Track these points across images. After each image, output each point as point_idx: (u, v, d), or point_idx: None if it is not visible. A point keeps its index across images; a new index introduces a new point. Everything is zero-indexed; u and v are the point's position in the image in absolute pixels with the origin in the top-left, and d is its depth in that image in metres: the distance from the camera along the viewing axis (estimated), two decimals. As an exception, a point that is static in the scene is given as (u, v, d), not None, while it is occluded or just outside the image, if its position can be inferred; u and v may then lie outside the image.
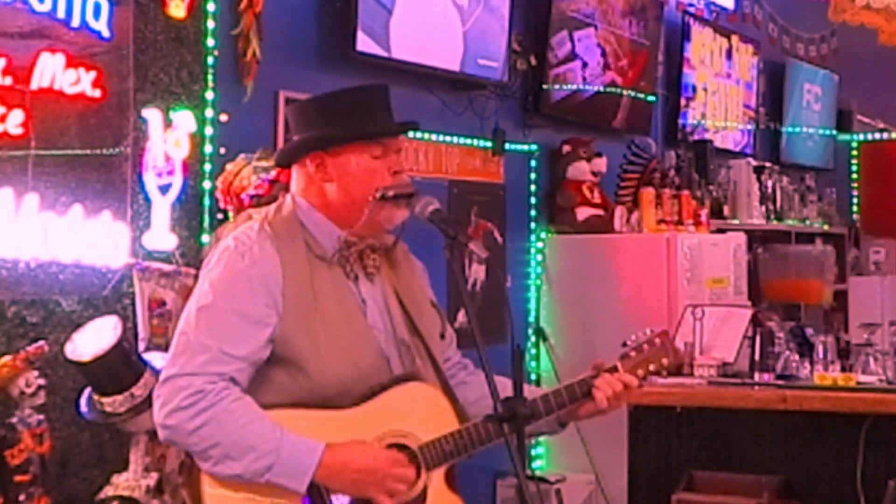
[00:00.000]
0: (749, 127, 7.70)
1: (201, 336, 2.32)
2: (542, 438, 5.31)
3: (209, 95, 3.75)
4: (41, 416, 3.00)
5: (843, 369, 4.22)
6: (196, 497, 2.34)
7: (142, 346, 3.41)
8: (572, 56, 5.72)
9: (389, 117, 2.55)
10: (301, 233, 2.46)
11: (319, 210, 2.49)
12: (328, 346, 2.39)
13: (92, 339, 3.04)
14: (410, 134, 4.74)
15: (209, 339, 2.31)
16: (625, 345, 2.64)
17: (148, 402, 3.04)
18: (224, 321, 2.33)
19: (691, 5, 7.01)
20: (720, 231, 6.21)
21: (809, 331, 4.66)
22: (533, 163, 5.65)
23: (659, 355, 2.62)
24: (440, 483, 2.46)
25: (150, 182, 3.53)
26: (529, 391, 2.51)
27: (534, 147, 5.64)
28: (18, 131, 3.15)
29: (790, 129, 8.23)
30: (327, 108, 2.51)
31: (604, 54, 5.97)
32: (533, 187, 5.65)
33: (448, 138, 5.03)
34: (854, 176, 8.63)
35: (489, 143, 5.28)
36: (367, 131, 2.47)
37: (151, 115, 3.52)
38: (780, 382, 4.20)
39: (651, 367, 2.62)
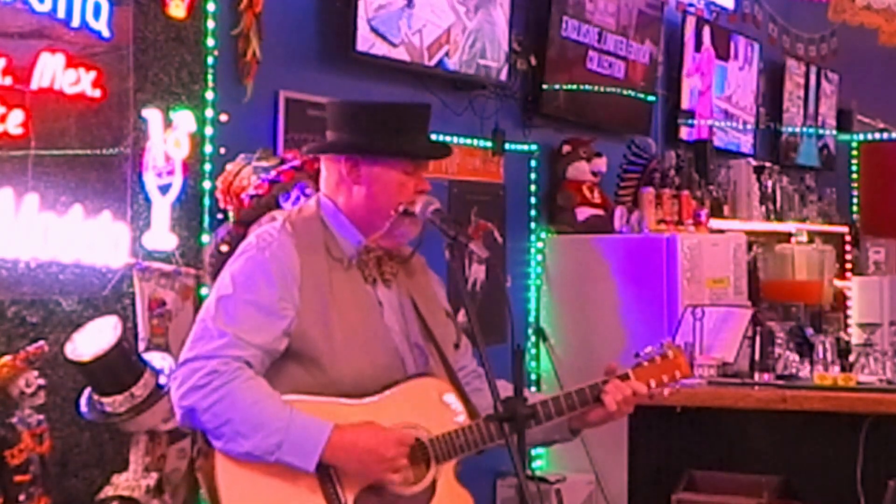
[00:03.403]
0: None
1: (218, 323, 2.39)
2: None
3: (209, 95, 3.75)
4: (41, 416, 3.00)
5: (843, 369, 4.22)
6: (209, 475, 2.37)
7: (142, 346, 3.41)
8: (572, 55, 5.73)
9: (427, 137, 2.63)
10: (322, 234, 2.53)
11: (343, 212, 2.55)
12: (344, 343, 2.44)
13: (92, 339, 3.04)
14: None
15: (226, 326, 2.38)
16: (637, 355, 2.65)
17: (148, 401, 3.06)
18: (241, 311, 2.40)
19: (691, 5, 7.02)
20: (720, 231, 6.21)
21: (809, 331, 4.67)
22: (533, 163, 5.65)
23: (671, 368, 2.63)
24: (450, 476, 2.49)
25: (150, 182, 3.52)
26: (538, 395, 2.58)
27: (534, 147, 5.64)
28: (18, 131, 3.15)
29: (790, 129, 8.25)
30: (375, 116, 2.57)
31: (603, 54, 5.97)
32: (533, 187, 5.65)
33: (448, 138, 5.01)
34: (854, 176, 8.63)
35: (489, 143, 5.28)
36: (410, 151, 2.54)
37: (151, 115, 3.52)
38: (780, 382, 4.20)
39: (664, 378, 2.62)
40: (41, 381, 3.02)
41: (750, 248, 6.25)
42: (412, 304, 2.60)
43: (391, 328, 2.54)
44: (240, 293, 2.42)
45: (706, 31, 7.10)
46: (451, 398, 2.53)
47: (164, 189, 3.55)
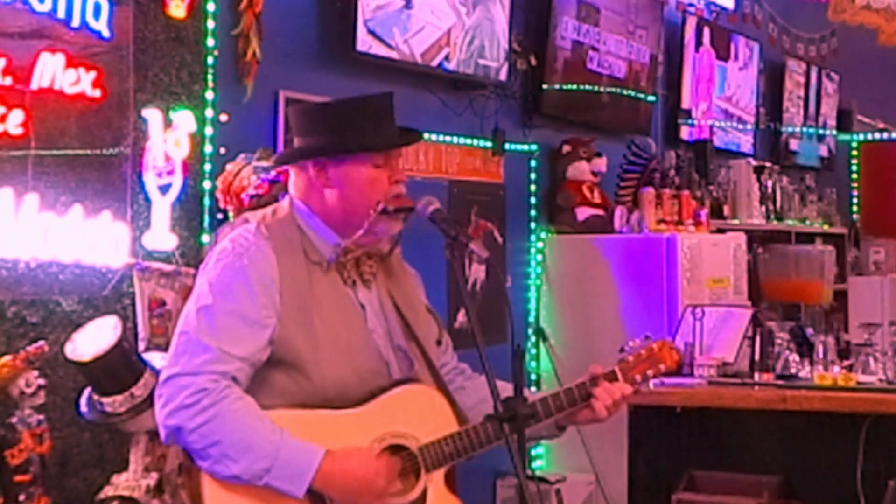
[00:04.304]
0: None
1: (202, 336, 2.32)
2: (541, 438, 5.31)
3: (209, 95, 3.75)
4: (41, 416, 3.00)
5: (843, 369, 4.21)
6: (196, 497, 2.34)
7: (142, 346, 3.41)
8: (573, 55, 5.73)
9: (393, 126, 2.55)
10: (298, 237, 2.46)
11: (318, 215, 2.48)
12: (328, 349, 2.39)
13: (92, 339, 3.04)
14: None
15: (210, 340, 2.31)
16: (622, 350, 2.65)
17: (148, 401, 3.05)
18: (224, 322, 2.33)
19: (691, 5, 7.02)
20: (720, 231, 6.21)
21: (809, 331, 4.66)
22: (533, 163, 5.65)
23: (656, 361, 2.64)
24: (440, 485, 2.45)
25: (150, 182, 3.53)
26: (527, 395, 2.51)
27: (534, 147, 5.64)
28: (18, 131, 3.15)
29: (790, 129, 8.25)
30: (334, 115, 2.51)
31: (603, 54, 5.98)
32: (533, 187, 5.65)
33: (448, 138, 5.03)
34: (854, 176, 8.63)
35: (489, 143, 5.28)
36: (374, 144, 2.46)
37: (151, 115, 3.52)
38: (780, 382, 4.20)
39: (649, 373, 2.62)
40: (41, 381, 3.02)
41: (750, 248, 6.25)
42: (393, 304, 2.55)
43: (374, 331, 2.49)
44: (220, 303, 2.34)
45: (706, 31, 7.11)
46: (439, 404, 2.50)
47: (164, 189, 3.55)
